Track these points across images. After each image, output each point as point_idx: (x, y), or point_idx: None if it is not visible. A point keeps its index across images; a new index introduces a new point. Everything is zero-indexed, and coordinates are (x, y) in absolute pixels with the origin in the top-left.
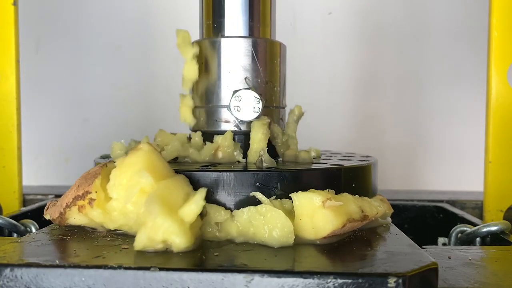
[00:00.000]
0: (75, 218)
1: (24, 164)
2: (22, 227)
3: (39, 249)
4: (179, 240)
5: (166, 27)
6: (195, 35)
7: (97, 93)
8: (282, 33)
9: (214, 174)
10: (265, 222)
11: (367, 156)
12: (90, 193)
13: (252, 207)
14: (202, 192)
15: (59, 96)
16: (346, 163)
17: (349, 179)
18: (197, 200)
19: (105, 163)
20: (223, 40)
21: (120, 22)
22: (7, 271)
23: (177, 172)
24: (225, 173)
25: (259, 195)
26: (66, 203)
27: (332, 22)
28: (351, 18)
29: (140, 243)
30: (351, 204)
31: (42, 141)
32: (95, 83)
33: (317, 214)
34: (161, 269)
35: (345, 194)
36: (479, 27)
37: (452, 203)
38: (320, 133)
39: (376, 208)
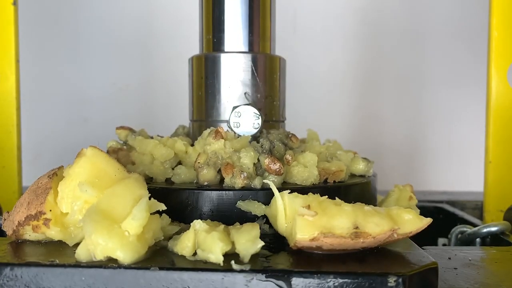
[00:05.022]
0: (31, 235)
1: (24, 164)
2: None
3: (39, 249)
4: (123, 255)
5: (167, 27)
6: (195, 34)
7: (97, 93)
8: (282, 33)
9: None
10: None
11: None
12: (45, 213)
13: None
14: (142, 203)
15: (59, 96)
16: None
17: (347, 197)
18: (136, 214)
19: (55, 172)
20: (223, 55)
21: (120, 21)
22: (7, 270)
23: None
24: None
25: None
26: (18, 221)
27: (332, 22)
28: (350, 18)
29: (81, 256)
30: (338, 217)
31: (42, 141)
32: (95, 82)
33: (295, 218)
34: (161, 268)
35: (342, 203)
36: (479, 27)
37: (452, 203)
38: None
39: (386, 225)
